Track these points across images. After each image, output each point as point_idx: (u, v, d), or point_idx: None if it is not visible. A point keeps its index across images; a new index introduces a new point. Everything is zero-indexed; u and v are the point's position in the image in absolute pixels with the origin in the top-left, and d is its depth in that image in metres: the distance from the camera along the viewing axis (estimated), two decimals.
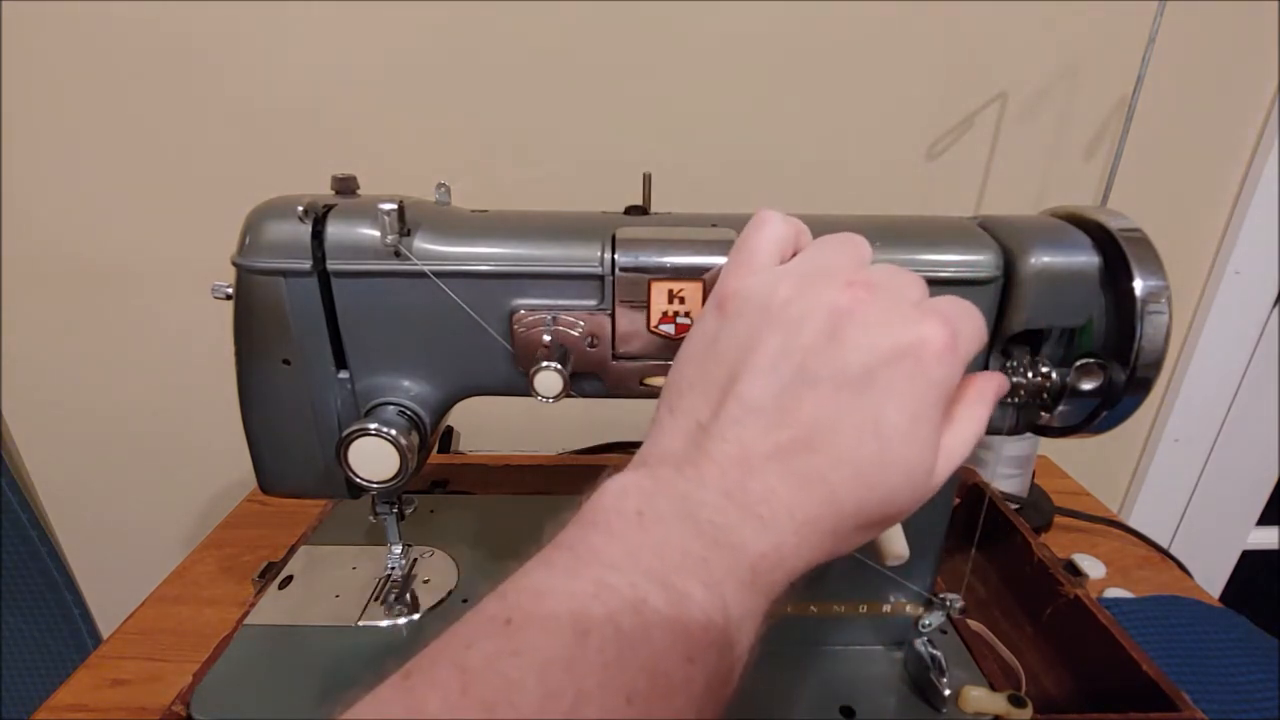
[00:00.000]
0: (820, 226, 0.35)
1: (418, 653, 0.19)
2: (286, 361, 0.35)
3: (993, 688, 0.39)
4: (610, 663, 0.18)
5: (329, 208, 0.34)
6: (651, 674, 0.18)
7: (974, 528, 0.51)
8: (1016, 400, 0.35)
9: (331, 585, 0.48)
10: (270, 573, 0.49)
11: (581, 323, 0.34)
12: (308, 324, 0.35)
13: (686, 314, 0.33)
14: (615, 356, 0.35)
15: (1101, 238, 0.33)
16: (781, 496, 0.21)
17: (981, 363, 0.35)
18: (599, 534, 0.21)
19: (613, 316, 0.34)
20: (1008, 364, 0.35)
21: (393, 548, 0.47)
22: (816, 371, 0.22)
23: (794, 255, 0.27)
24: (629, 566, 0.20)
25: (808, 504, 0.22)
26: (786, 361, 0.22)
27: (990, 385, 0.27)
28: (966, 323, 0.24)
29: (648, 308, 0.33)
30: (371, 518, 0.45)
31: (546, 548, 0.22)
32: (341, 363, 0.36)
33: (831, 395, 0.22)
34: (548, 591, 0.19)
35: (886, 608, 0.43)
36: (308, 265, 0.33)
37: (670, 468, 0.22)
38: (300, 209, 0.33)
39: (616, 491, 0.22)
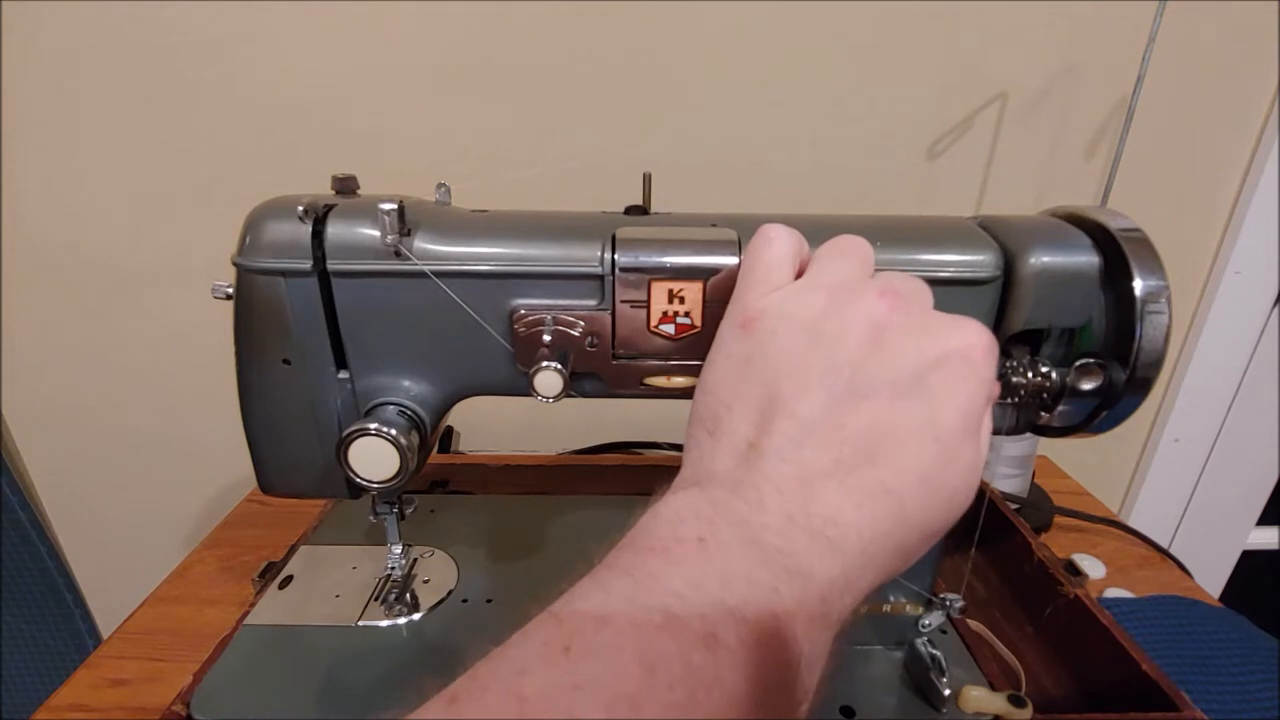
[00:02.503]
0: (821, 227, 0.35)
1: (463, 672, 0.17)
2: (286, 361, 0.35)
3: (993, 688, 0.39)
4: (680, 703, 0.16)
5: (329, 208, 0.34)
6: (720, 715, 0.17)
7: (974, 528, 0.51)
8: (1016, 400, 0.35)
9: (331, 585, 0.48)
10: (270, 573, 0.49)
11: (581, 323, 0.34)
12: (308, 324, 0.35)
13: (686, 314, 0.33)
14: (615, 356, 0.35)
15: (1101, 238, 0.33)
16: (848, 515, 0.21)
17: None
18: (659, 561, 0.19)
19: (613, 316, 0.34)
20: (1008, 364, 0.35)
21: (393, 548, 0.47)
22: (868, 382, 0.22)
23: (802, 267, 0.27)
24: (696, 598, 0.18)
25: (875, 520, 0.21)
26: (835, 376, 0.22)
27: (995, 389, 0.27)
28: (988, 330, 0.25)
29: (648, 308, 0.33)
30: (371, 518, 0.45)
31: (597, 569, 0.20)
32: (341, 363, 0.36)
33: (887, 404, 0.22)
34: (609, 619, 0.18)
35: (886, 608, 0.43)
36: (308, 265, 0.33)
37: (724, 489, 0.21)
38: (300, 209, 0.33)
39: (671, 516, 0.21)
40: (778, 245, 0.26)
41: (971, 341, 0.23)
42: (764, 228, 0.27)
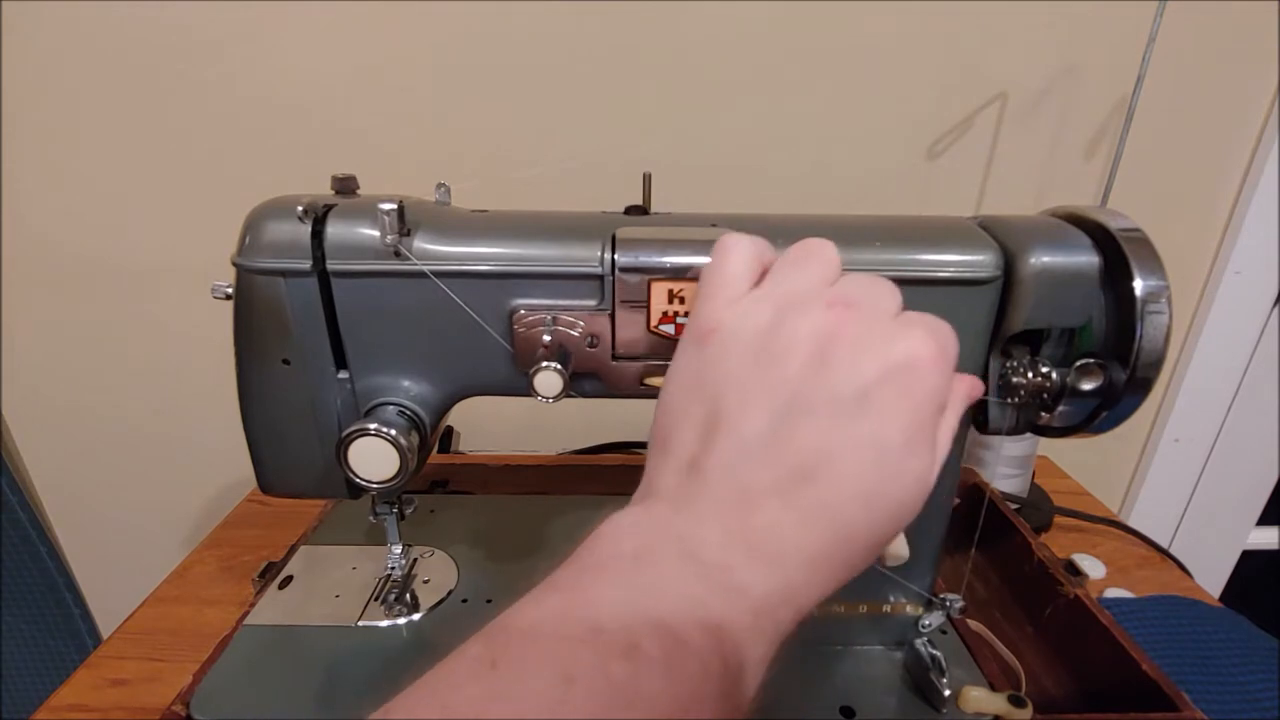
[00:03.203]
0: (821, 227, 0.35)
1: (402, 689, 0.19)
2: (286, 361, 0.35)
3: (993, 688, 0.39)
4: (597, 712, 0.17)
5: (329, 208, 0.34)
6: None
7: (974, 528, 0.51)
8: (1016, 400, 0.35)
9: (331, 585, 0.48)
10: (270, 573, 0.49)
11: (581, 323, 0.34)
12: (308, 324, 0.35)
13: (686, 314, 0.33)
14: (615, 356, 0.35)
15: (1101, 238, 0.33)
16: (787, 531, 0.21)
17: (982, 363, 0.35)
18: (592, 577, 0.20)
19: (613, 316, 0.34)
20: (1008, 364, 0.35)
21: (393, 548, 0.47)
22: (810, 400, 0.22)
23: (764, 274, 0.26)
24: (622, 610, 0.19)
25: (817, 537, 0.21)
26: (777, 393, 0.22)
27: (962, 390, 0.27)
28: (946, 334, 0.24)
29: (648, 308, 0.33)
30: (371, 518, 0.45)
31: (539, 587, 0.21)
32: (341, 363, 0.36)
33: (828, 422, 0.21)
34: (536, 634, 0.19)
35: (886, 608, 0.43)
36: (308, 265, 0.33)
37: (666, 505, 0.22)
38: (300, 209, 0.33)
39: (612, 533, 0.21)
40: (735, 256, 0.26)
41: (915, 351, 0.22)
42: (722, 238, 0.26)
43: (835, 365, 0.22)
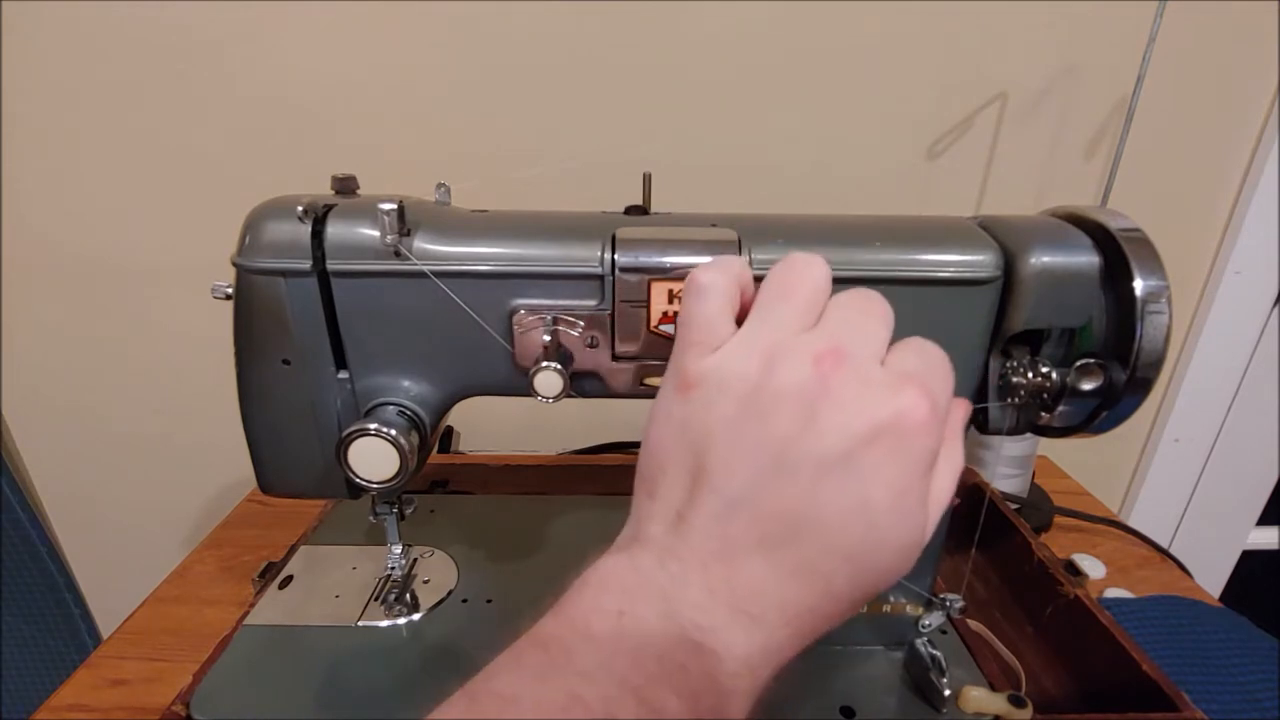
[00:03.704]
0: (821, 227, 0.35)
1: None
2: (286, 361, 0.35)
3: (993, 688, 0.39)
4: None
5: (329, 208, 0.34)
6: None
7: (974, 528, 0.51)
8: (1016, 400, 0.35)
9: (331, 585, 0.48)
10: (270, 573, 0.49)
11: (581, 323, 0.34)
12: (308, 324, 0.35)
13: None
14: (615, 356, 0.35)
15: (1101, 238, 0.33)
16: (770, 591, 0.21)
17: (982, 363, 0.35)
18: (576, 636, 0.20)
19: (613, 316, 0.34)
20: (1008, 364, 0.35)
21: (393, 548, 0.47)
22: (795, 460, 0.21)
23: (745, 302, 0.25)
24: (603, 677, 0.19)
25: (800, 596, 0.21)
26: (762, 452, 0.21)
27: (958, 416, 0.26)
28: (939, 378, 0.23)
29: (648, 308, 0.33)
30: (371, 518, 0.45)
31: (523, 639, 0.21)
32: (341, 363, 0.36)
33: (813, 483, 0.21)
34: (516, 699, 0.19)
35: (886, 608, 0.43)
36: (307, 265, 0.33)
37: (653, 558, 0.22)
38: (300, 209, 0.33)
39: (597, 585, 0.22)
40: (711, 297, 0.25)
41: (905, 413, 0.21)
42: (693, 276, 0.25)
43: (822, 425, 0.21)
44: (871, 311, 0.24)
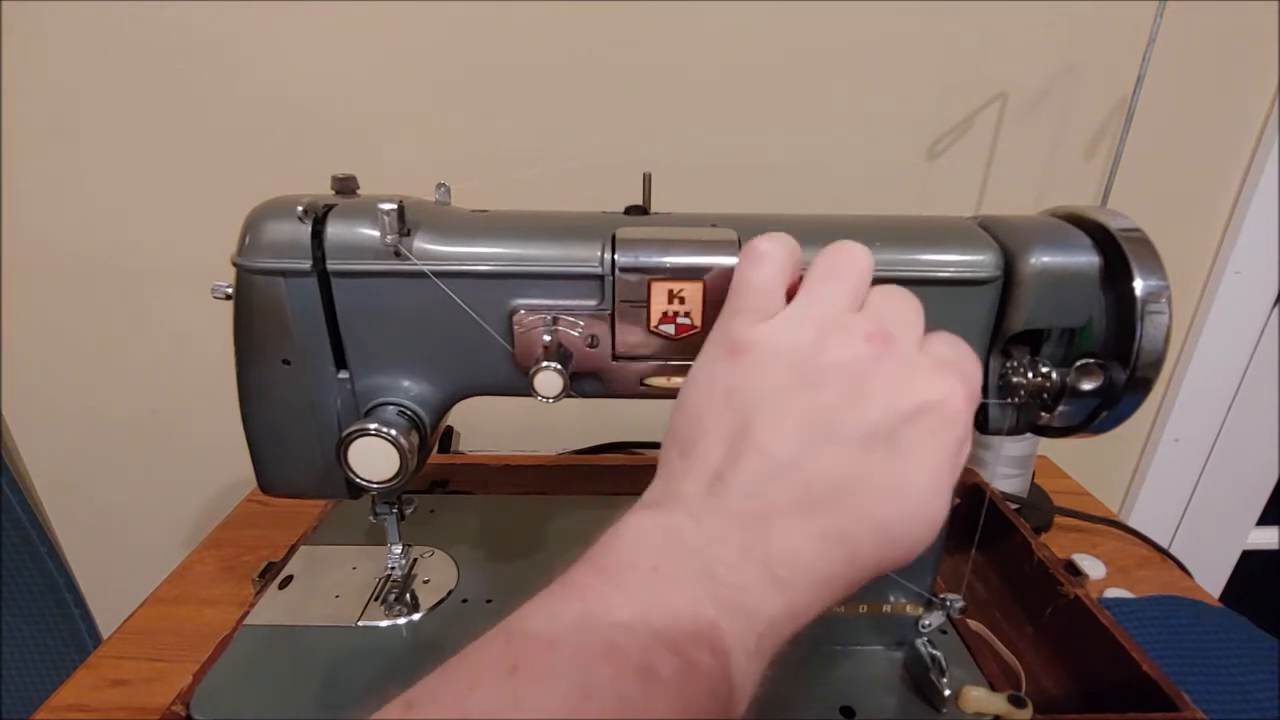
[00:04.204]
0: (821, 227, 0.35)
1: (421, 679, 0.19)
2: (286, 361, 0.35)
3: (993, 688, 0.39)
4: None
5: (329, 208, 0.34)
6: None
7: (974, 528, 0.51)
8: (1016, 400, 0.35)
9: (331, 585, 0.48)
10: (270, 573, 0.49)
11: (581, 323, 0.34)
12: (308, 324, 0.35)
13: (686, 314, 0.33)
14: (615, 356, 0.35)
15: (1101, 238, 0.33)
16: (803, 556, 0.21)
17: (982, 363, 0.35)
18: (611, 587, 0.21)
19: (613, 316, 0.34)
20: (1008, 364, 0.35)
21: (393, 548, 0.47)
22: (842, 430, 0.22)
23: (795, 280, 0.26)
24: (641, 628, 0.19)
25: (829, 563, 0.22)
26: (811, 419, 0.22)
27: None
28: (972, 369, 0.25)
29: (648, 308, 0.33)
30: (371, 518, 0.45)
31: (556, 584, 0.21)
32: (341, 363, 0.36)
33: (858, 454, 0.22)
34: (556, 643, 0.19)
35: (886, 608, 0.43)
36: (308, 265, 0.33)
37: (687, 516, 0.22)
38: (300, 209, 0.33)
39: (631, 539, 0.22)
40: (768, 266, 0.26)
41: (947, 395, 0.23)
42: (753, 244, 0.26)
43: (871, 399, 0.22)
44: (910, 307, 0.26)
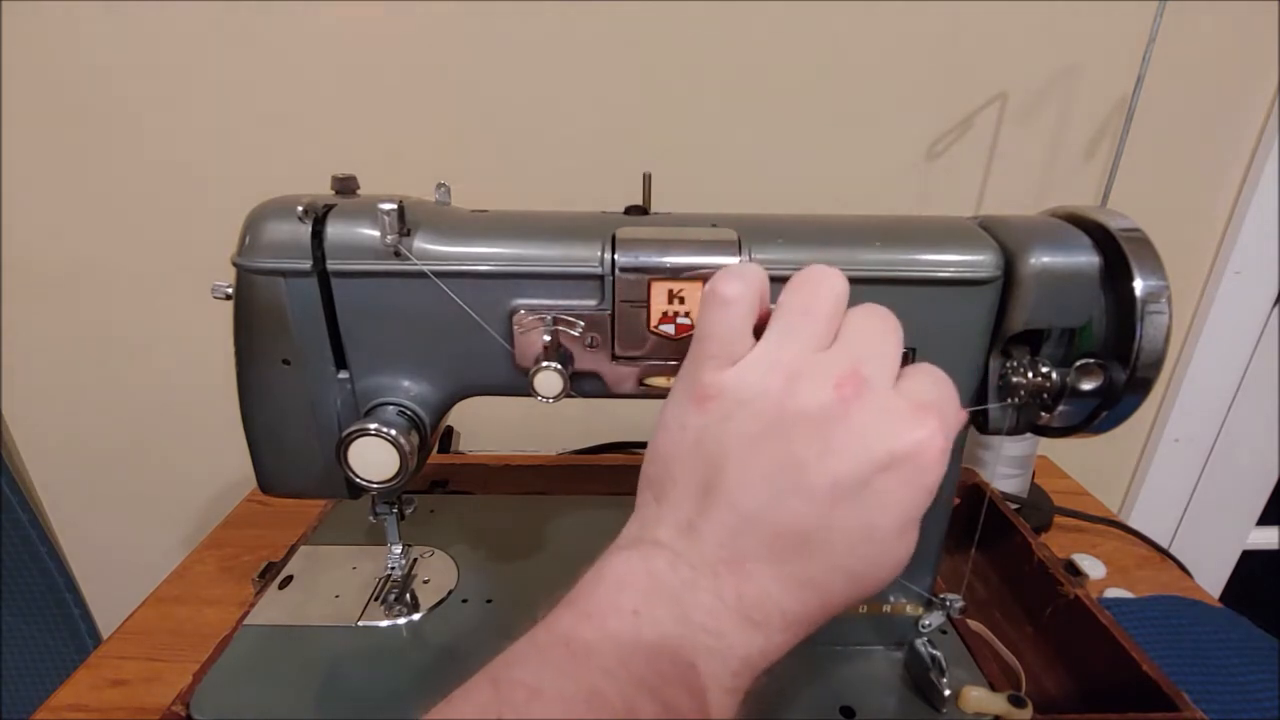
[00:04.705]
0: (821, 227, 0.35)
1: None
2: (286, 361, 0.35)
3: (993, 688, 0.39)
4: None
5: (329, 208, 0.34)
6: None
7: (974, 528, 0.51)
8: (1016, 400, 0.35)
9: (331, 585, 0.48)
10: (270, 573, 0.49)
11: (581, 323, 0.34)
12: (308, 324, 0.35)
13: (686, 314, 0.33)
14: (615, 356, 0.35)
15: (1101, 238, 0.33)
16: (774, 600, 0.22)
17: (982, 363, 0.35)
18: (594, 632, 0.21)
19: (613, 316, 0.34)
20: (1008, 364, 0.35)
21: (393, 548, 0.47)
22: (810, 482, 0.22)
23: (764, 313, 0.25)
24: (623, 674, 0.20)
25: (800, 606, 0.22)
26: (779, 471, 0.22)
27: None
28: (951, 407, 0.24)
29: (648, 308, 0.33)
30: (371, 518, 0.45)
31: (540, 628, 0.22)
32: (341, 363, 0.36)
33: (825, 507, 0.22)
34: (541, 691, 0.20)
35: (886, 608, 0.43)
36: (307, 265, 0.33)
37: (665, 562, 0.22)
38: (300, 209, 0.33)
39: (613, 582, 0.22)
40: (734, 309, 0.24)
41: (923, 441, 0.22)
42: (714, 283, 0.25)
43: (840, 451, 0.22)
44: (886, 332, 0.25)
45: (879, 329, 0.24)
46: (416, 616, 0.45)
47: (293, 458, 0.38)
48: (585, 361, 0.35)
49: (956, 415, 0.24)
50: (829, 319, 0.24)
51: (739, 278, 0.25)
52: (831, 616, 0.23)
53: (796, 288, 0.25)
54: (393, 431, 0.34)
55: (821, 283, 0.25)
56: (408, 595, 0.47)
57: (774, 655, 0.23)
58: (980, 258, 0.34)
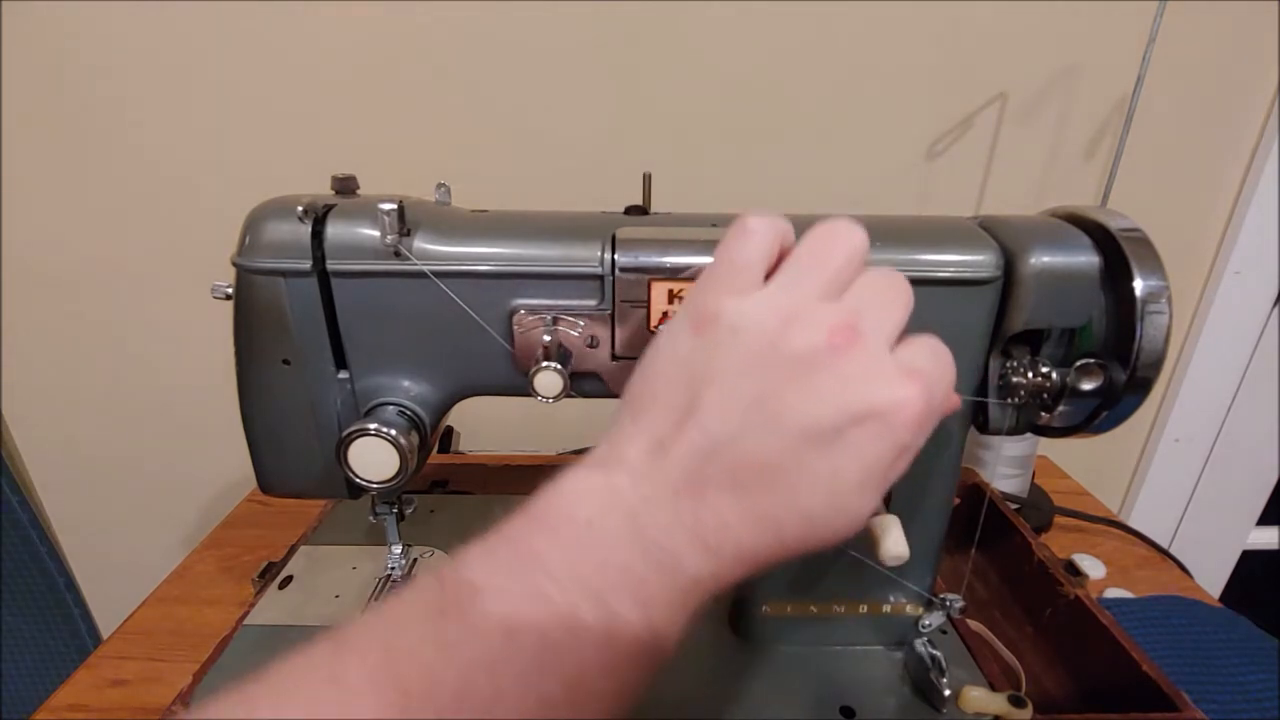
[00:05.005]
0: None
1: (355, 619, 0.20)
2: (286, 361, 0.35)
3: (993, 688, 0.39)
4: (530, 669, 0.19)
5: (329, 208, 0.34)
6: (569, 683, 0.19)
7: (974, 528, 0.51)
8: (1016, 400, 0.35)
9: (331, 585, 0.48)
10: (270, 573, 0.49)
11: (581, 323, 0.34)
12: (308, 324, 0.35)
13: None
14: (615, 356, 0.35)
15: (1101, 238, 0.33)
16: (730, 529, 0.22)
17: (982, 363, 0.35)
18: (545, 537, 0.21)
19: (613, 316, 0.34)
20: (1008, 364, 0.35)
21: (393, 548, 0.47)
22: (785, 420, 0.22)
23: (780, 258, 0.26)
24: (567, 577, 0.20)
25: (755, 539, 0.22)
26: (757, 403, 0.22)
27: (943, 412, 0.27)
28: (942, 381, 0.24)
29: (648, 308, 0.33)
30: (371, 518, 0.45)
31: (492, 534, 0.22)
32: (341, 363, 0.36)
33: (796, 446, 0.22)
34: (484, 589, 0.20)
35: (886, 608, 0.43)
36: (307, 265, 0.33)
37: (627, 478, 0.23)
38: (300, 209, 0.33)
39: (570, 494, 0.23)
40: (753, 244, 0.25)
41: (900, 403, 0.22)
42: (743, 219, 0.25)
43: (819, 395, 0.22)
44: (895, 297, 0.25)
45: (888, 292, 0.25)
46: None
47: (293, 458, 0.38)
48: (585, 361, 0.35)
49: (946, 390, 0.24)
50: (839, 271, 0.24)
51: (768, 216, 0.26)
52: (782, 558, 0.23)
53: (814, 237, 0.25)
54: (393, 431, 0.34)
55: (839, 235, 0.25)
56: None
57: (724, 582, 0.23)
58: (980, 258, 0.34)
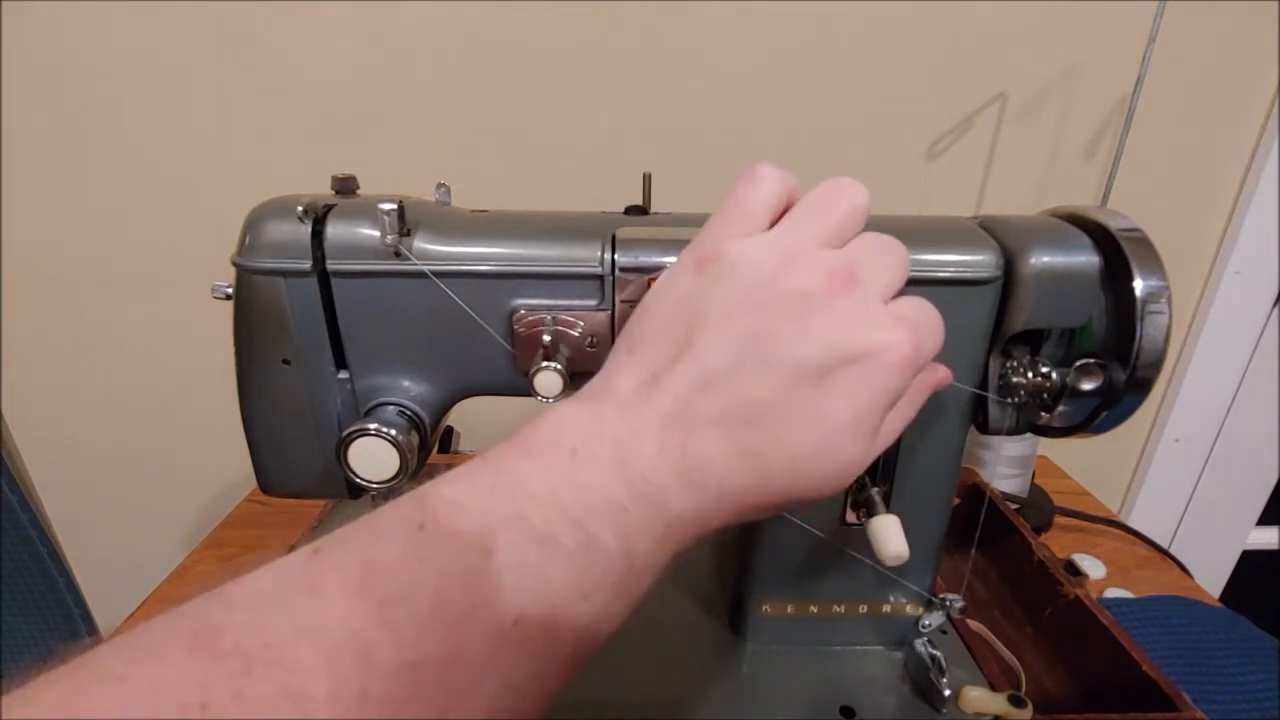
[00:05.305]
0: None
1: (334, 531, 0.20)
2: (286, 361, 0.35)
3: (993, 688, 0.39)
4: (505, 586, 0.19)
5: (329, 208, 0.34)
6: (544, 605, 0.19)
7: (974, 528, 0.51)
8: (1016, 400, 0.35)
9: None
10: None
11: (581, 323, 0.34)
12: (308, 324, 0.35)
13: None
14: None
15: (1101, 238, 0.33)
16: (716, 464, 0.22)
17: (982, 363, 0.35)
18: (529, 461, 0.21)
19: (613, 316, 0.34)
20: (1008, 364, 0.35)
21: None
22: (778, 356, 0.22)
23: (785, 210, 0.26)
24: (549, 501, 0.20)
25: (739, 477, 0.23)
26: (751, 339, 0.23)
27: (932, 379, 0.28)
28: (930, 333, 0.25)
29: None
30: None
31: (474, 459, 0.22)
32: (341, 363, 0.36)
33: (787, 382, 0.22)
34: (465, 507, 0.20)
35: (886, 608, 0.43)
36: (307, 265, 0.33)
37: (615, 409, 0.23)
38: (300, 209, 0.33)
39: (555, 422, 0.23)
40: (761, 191, 0.26)
41: (889, 345, 0.23)
42: (755, 168, 0.26)
43: (812, 334, 0.23)
44: (893, 257, 0.26)
45: (887, 252, 0.25)
46: None
47: (293, 458, 0.38)
48: (585, 361, 0.35)
49: (934, 342, 0.25)
50: (841, 221, 0.25)
51: (778, 168, 0.26)
52: (766, 506, 0.23)
53: (820, 189, 0.26)
54: (393, 431, 0.34)
55: (844, 189, 0.26)
56: None
57: (706, 524, 0.23)
58: (980, 258, 0.34)
